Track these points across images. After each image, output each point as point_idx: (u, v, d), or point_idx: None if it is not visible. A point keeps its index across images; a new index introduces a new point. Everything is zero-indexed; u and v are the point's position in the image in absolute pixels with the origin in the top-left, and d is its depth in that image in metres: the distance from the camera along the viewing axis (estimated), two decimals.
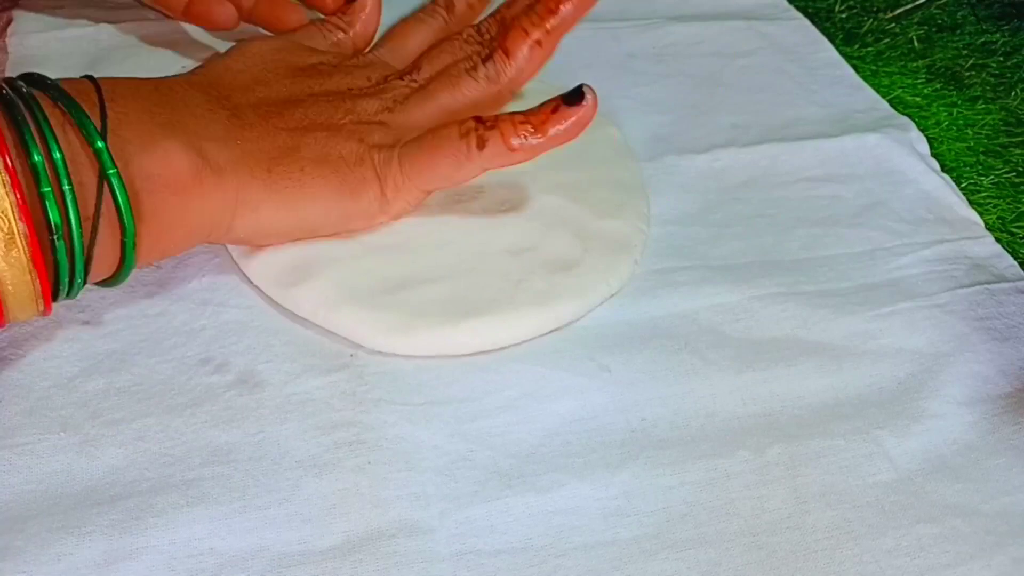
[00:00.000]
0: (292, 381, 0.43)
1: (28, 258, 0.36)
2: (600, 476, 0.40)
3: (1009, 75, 0.67)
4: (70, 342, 0.44)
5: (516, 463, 0.41)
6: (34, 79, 0.40)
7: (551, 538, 0.38)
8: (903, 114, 0.61)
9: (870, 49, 0.68)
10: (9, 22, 0.62)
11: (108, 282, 0.41)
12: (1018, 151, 0.60)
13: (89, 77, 0.42)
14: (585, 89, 0.45)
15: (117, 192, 0.38)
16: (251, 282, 0.47)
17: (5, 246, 0.36)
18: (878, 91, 0.63)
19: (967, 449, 0.42)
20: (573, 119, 0.45)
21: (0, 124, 0.37)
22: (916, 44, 0.69)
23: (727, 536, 0.39)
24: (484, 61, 0.49)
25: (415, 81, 0.51)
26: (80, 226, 0.37)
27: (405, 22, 0.55)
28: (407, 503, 0.39)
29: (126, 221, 0.39)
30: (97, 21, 0.62)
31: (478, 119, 0.46)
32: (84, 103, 0.39)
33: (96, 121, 0.39)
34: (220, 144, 0.44)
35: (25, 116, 0.37)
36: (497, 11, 0.51)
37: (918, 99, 0.64)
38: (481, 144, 0.45)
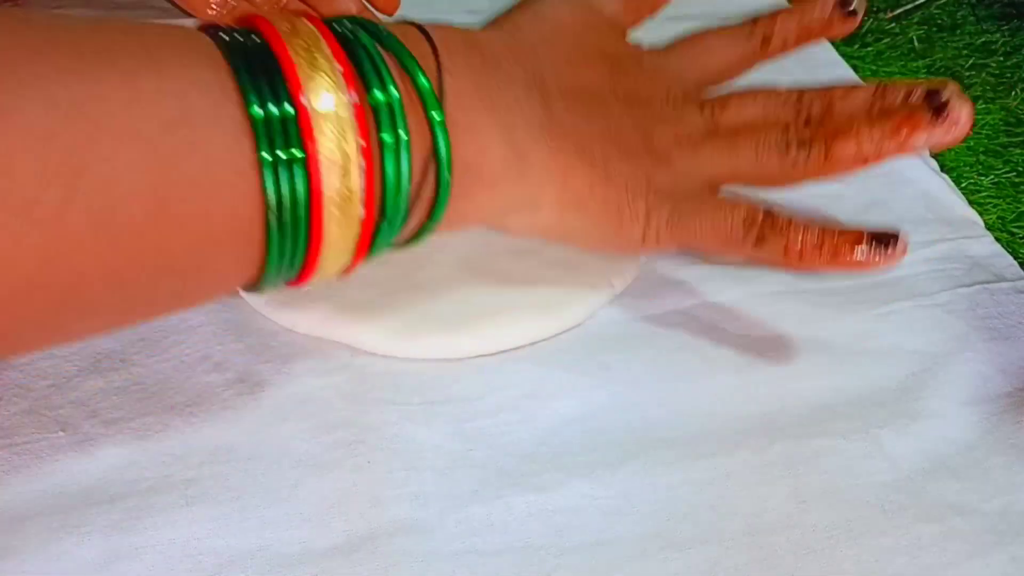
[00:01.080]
0: (292, 381, 0.43)
1: (361, 205, 0.34)
2: (600, 475, 0.40)
3: (1009, 75, 0.67)
4: None
5: (516, 462, 0.41)
6: (363, 24, 0.38)
7: (551, 537, 0.38)
8: None
9: (870, 49, 0.68)
10: None
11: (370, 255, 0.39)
12: (1018, 151, 0.60)
13: (420, 28, 0.40)
14: (900, 240, 0.41)
15: (442, 174, 0.37)
16: None
17: (342, 185, 0.34)
18: None
19: (967, 448, 0.42)
20: (868, 268, 0.41)
21: (341, 57, 0.35)
22: (916, 44, 0.69)
23: (727, 535, 0.39)
24: (800, 146, 0.43)
25: (715, 119, 0.46)
26: (407, 202, 0.36)
27: (712, 33, 0.50)
28: (407, 502, 0.39)
29: (439, 207, 0.38)
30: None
31: (768, 214, 0.42)
32: (421, 62, 0.37)
33: (435, 87, 0.37)
34: (531, 139, 0.41)
35: (363, 54, 0.35)
36: (830, 92, 0.45)
37: None
38: (760, 241, 0.41)
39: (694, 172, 0.44)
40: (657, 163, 0.44)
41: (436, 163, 0.37)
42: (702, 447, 0.42)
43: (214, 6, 0.59)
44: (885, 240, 0.41)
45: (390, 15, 0.60)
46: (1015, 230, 0.54)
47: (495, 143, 0.40)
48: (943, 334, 0.47)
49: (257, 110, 0.32)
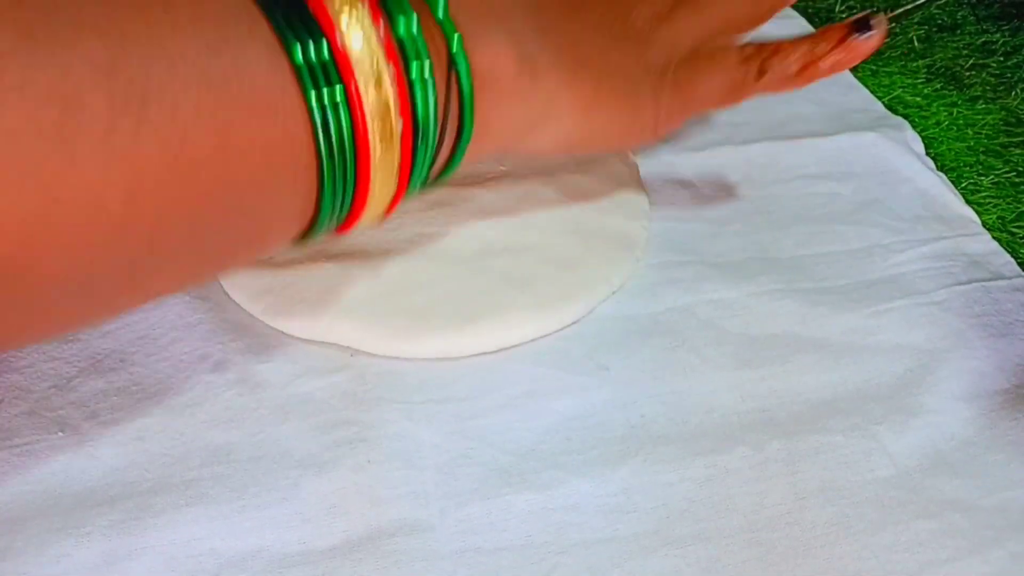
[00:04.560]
0: (292, 381, 0.43)
1: (398, 116, 0.34)
2: (599, 473, 0.41)
3: (1009, 75, 0.67)
4: (69, 343, 0.44)
5: (516, 461, 0.41)
6: None
7: (551, 535, 0.38)
8: (903, 114, 0.61)
9: None
10: None
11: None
12: (1018, 151, 0.60)
13: None
14: (873, 21, 0.43)
15: (464, 86, 0.37)
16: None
17: (380, 119, 0.34)
18: (878, 91, 0.64)
19: (965, 445, 0.42)
20: (859, 51, 0.43)
21: None
22: (916, 44, 0.69)
23: (726, 532, 0.39)
24: None
25: None
26: (437, 112, 0.36)
27: None
28: (407, 501, 0.39)
29: (466, 122, 0.38)
30: None
31: (758, 46, 0.44)
32: None
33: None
34: (535, 44, 0.41)
35: None
36: None
37: (918, 99, 0.64)
38: (761, 72, 0.44)
39: (677, 41, 0.45)
40: (644, 44, 0.44)
41: (456, 74, 0.37)
42: (701, 444, 0.42)
43: None
44: (863, 26, 0.43)
45: None
46: (1015, 230, 0.54)
47: (505, 50, 0.39)
48: (941, 331, 0.47)
49: (288, 35, 0.32)
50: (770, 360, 0.45)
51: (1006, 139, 0.61)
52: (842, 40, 0.43)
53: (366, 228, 0.38)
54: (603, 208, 0.51)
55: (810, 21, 0.69)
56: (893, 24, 0.71)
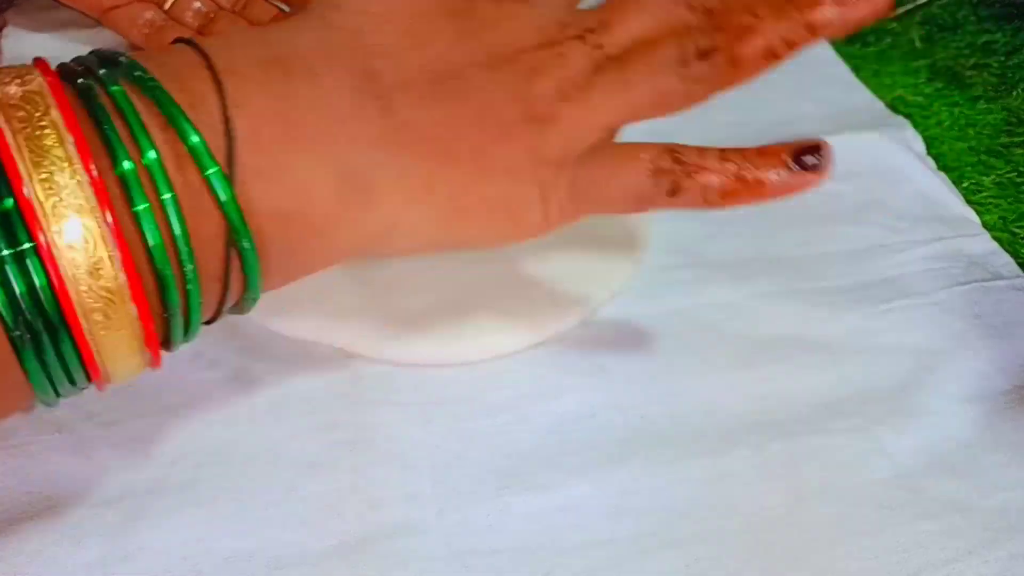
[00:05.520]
0: (288, 381, 0.43)
1: (127, 300, 0.30)
2: (598, 474, 0.40)
3: (1010, 75, 0.66)
4: None
5: (513, 462, 0.41)
6: (118, 63, 0.32)
7: (549, 537, 0.38)
8: (904, 113, 0.61)
9: (872, 49, 0.68)
10: (4, 24, 0.62)
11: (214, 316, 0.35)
12: (1019, 151, 0.60)
13: (198, 49, 0.33)
14: (820, 156, 0.36)
15: (240, 242, 0.32)
16: None
17: (91, 276, 0.29)
18: (880, 90, 0.63)
19: (965, 446, 0.42)
20: (795, 189, 0.36)
21: (77, 122, 0.30)
22: (918, 44, 0.69)
23: (726, 533, 0.39)
24: (701, 57, 0.36)
25: (600, 47, 0.37)
26: (191, 257, 0.31)
27: None
28: (404, 503, 0.39)
29: (251, 275, 0.33)
30: (93, 22, 0.62)
31: (676, 156, 0.37)
32: (199, 112, 0.31)
33: (217, 144, 0.31)
34: (372, 156, 0.35)
35: (103, 113, 0.30)
36: None
37: (919, 98, 0.64)
38: (674, 190, 0.37)
39: (587, 123, 0.37)
40: (542, 129, 0.37)
41: (231, 228, 0.32)
42: (700, 446, 0.42)
43: (143, 28, 0.59)
44: (805, 159, 0.36)
45: None
46: (1016, 230, 0.54)
47: (318, 180, 0.34)
48: (941, 332, 0.47)
49: None
50: (770, 361, 0.45)
51: (1007, 139, 0.61)
52: (781, 168, 0.36)
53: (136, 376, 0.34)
54: None
55: None
56: (895, 23, 0.71)
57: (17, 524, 0.37)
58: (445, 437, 0.41)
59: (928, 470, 0.41)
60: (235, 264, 0.33)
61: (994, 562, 0.38)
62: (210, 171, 0.31)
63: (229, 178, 0.31)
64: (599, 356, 0.45)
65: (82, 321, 0.29)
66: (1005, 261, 0.51)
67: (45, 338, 0.29)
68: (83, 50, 0.59)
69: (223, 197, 0.31)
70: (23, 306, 0.29)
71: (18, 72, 0.30)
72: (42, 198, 0.28)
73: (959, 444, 0.42)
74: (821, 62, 0.66)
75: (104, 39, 0.62)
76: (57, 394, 0.32)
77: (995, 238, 0.53)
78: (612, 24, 0.37)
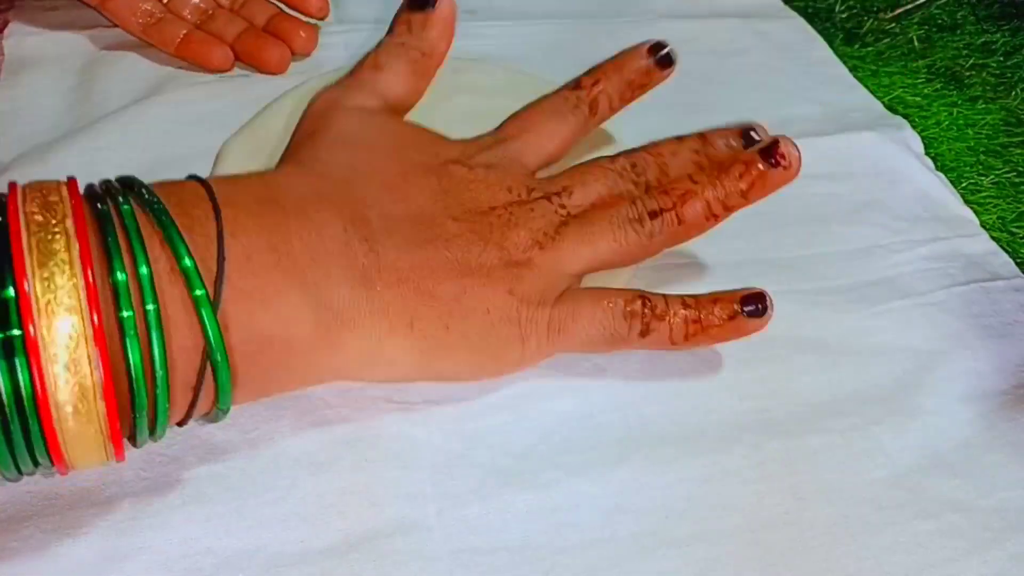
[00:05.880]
0: None
1: (99, 397, 0.32)
2: (598, 474, 0.40)
3: (1009, 75, 0.67)
4: None
5: (514, 461, 0.41)
6: (134, 188, 0.35)
7: (549, 536, 0.38)
8: (903, 114, 0.61)
9: (870, 49, 0.68)
10: (5, 24, 0.62)
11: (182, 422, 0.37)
12: (1018, 151, 0.60)
13: (203, 184, 0.37)
14: (768, 304, 0.42)
15: (214, 357, 0.34)
16: None
17: (68, 370, 0.31)
18: (878, 91, 0.64)
19: (964, 445, 0.42)
20: (746, 329, 0.43)
21: (87, 232, 0.33)
22: (916, 44, 0.69)
23: (725, 533, 0.39)
24: (652, 217, 0.43)
25: (564, 207, 0.43)
26: (164, 368, 0.33)
27: (537, 112, 0.47)
28: (404, 502, 0.39)
29: (222, 392, 0.36)
30: (93, 22, 0.62)
31: (645, 300, 0.42)
32: (196, 234, 0.35)
33: (209, 265, 0.35)
34: (356, 291, 0.38)
35: (112, 228, 0.33)
36: (659, 151, 0.46)
37: (918, 99, 0.64)
38: (645, 331, 0.42)
39: (559, 269, 0.43)
40: (520, 273, 0.41)
41: (207, 344, 0.34)
42: (699, 445, 0.42)
43: (140, 18, 0.60)
44: (755, 308, 0.42)
45: (321, 19, 0.63)
46: (1015, 230, 0.54)
47: (301, 309, 0.37)
48: (939, 332, 0.47)
49: None
50: (769, 361, 0.45)
51: (1006, 139, 0.61)
52: (732, 316, 0.42)
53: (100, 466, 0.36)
54: None
55: (810, 21, 0.70)
56: (893, 24, 0.71)
57: (17, 523, 0.37)
58: (446, 436, 0.41)
59: (927, 470, 0.41)
60: (208, 376, 0.35)
61: (993, 562, 0.38)
62: (197, 293, 0.34)
63: (215, 299, 0.34)
64: (598, 356, 0.45)
65: (53, 411, 0.32)
66: (1003, 261, 0.51)
67: (16, 422, 0.32)
68: (84, 49, 0.59)
69: (205, 317, 0.34)
70: (2, 388, 0.31)
71: (48, 187, 0.34)
72: (39, 294, 0.31)
73: (958, 444, 0.42)
74: (820, 62, 0.66)
75: (104, 37, 0.61)
76: (19, 472, 0.34)
77: (994, 238, 0.53)
78: (573, 189, 0.44)
